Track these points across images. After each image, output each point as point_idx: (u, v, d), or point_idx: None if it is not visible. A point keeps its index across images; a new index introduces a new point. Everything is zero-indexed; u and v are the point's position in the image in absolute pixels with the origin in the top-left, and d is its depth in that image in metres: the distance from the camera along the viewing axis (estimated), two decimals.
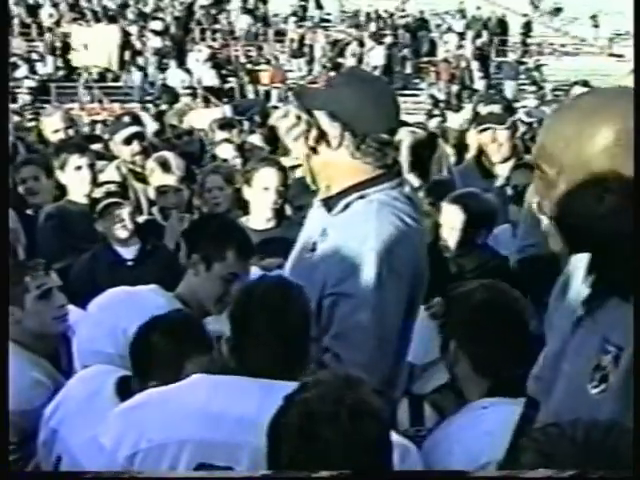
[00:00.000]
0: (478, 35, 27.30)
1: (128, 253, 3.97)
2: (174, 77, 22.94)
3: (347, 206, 2.52)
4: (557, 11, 29.48)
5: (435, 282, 2.65)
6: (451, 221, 3.59)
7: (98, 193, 4.02)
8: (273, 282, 2.29)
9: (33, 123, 7.67)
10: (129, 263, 3.95)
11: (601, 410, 1.65)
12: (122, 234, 3.95)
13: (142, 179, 4.78)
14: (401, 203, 2.52)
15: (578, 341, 1.75)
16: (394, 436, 2.14)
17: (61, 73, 23.23)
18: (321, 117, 2.51)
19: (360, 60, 24.90)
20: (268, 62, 25.16)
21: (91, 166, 4.57)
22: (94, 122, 12.34)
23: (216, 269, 2.86)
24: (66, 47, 23.53)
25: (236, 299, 2.28)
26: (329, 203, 2.58)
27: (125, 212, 3.94)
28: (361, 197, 2.51)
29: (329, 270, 2.47)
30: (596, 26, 28.48)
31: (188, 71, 22.95)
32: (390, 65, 25.13)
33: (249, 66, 24.59)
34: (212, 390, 2.17)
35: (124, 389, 2.40)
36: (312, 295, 2.38)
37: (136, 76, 23.31)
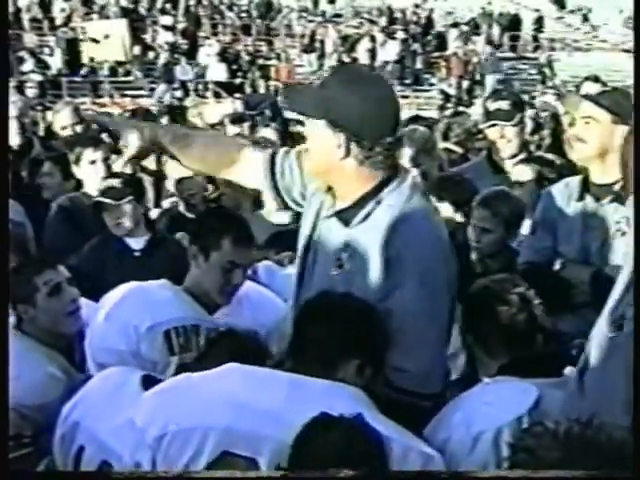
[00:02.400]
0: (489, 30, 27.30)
1: (136, 243, 3.97)
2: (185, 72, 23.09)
3: (367, 216, 2.47)
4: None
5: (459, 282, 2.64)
6: (482, 223, 3.59)
7: (101, 186, 4.03)
8: (349, 300, 2.36)
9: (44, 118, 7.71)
10: (136, 253, 3.96)
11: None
12: (119, 231, 3.95)
13: (150, 172, 4.80)
14: (415, 201, 2.48)
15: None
16: (420, 444, 2.22)
17: (72, 68, 23.25)
18: (322, 127, 2.44)
19: (373, 55, 24.91)
20: (279, 57, 25.17)
21: (105, 160, 4.59)
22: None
23: (214, 258, 2.88)
24: (78, 41, 23.55)
25: (312, 307, 2.35)
26: (344, 216, 2.51)
27: (123, 210, 3.93)
28: (378, 203, 2.46)
29: (368, 284, 2.43)
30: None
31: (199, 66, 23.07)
32: (401, 60, 25.13)
33: (260, 61, 24.61)
34: (243, 380, 2.21)
35: (149, 384, 2.41)
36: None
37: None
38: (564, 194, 3.32)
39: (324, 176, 2.55)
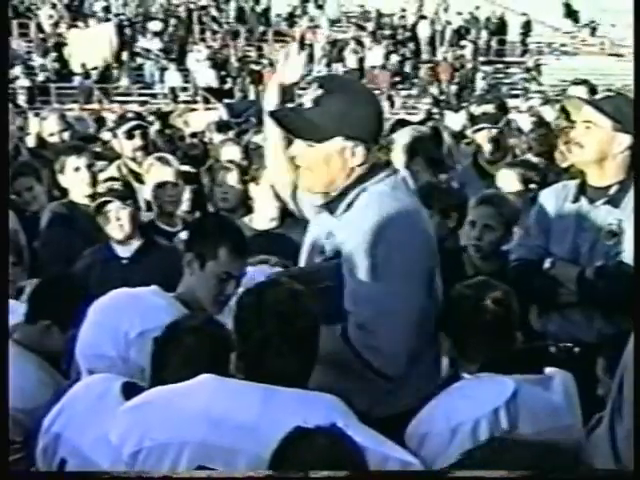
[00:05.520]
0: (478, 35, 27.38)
1: (124, 251, 3.96)
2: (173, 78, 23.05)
3: (350, 204, 2.57)
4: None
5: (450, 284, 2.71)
6: (486, 220, 3.63)
7: (101, 189, 4.01)
8: (281, 286, 2.32)
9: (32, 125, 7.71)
10: (123, 261, 3.94)
11: None
12: (118, 235, 3.94)
13: (141, 180, 4.80)
14: (401, 191, 2.58)
15: None
16: (398, 452, 2.21)
17: (60, 74, 23.20)
18: (341, 143, 2.53)
19: (360, 60, 24.97)
20: (272, 64, 25.13)
21: (89, 166, 4.60)
22: (97, 120, 12.33)
23: (209, 267, 2.87)
24: (65, 48, 23.51)
25: (243, 303, 2.29)
26: (330, 206, 2.62)
27: (124, 213, 3.92)
28: (362, 190, 2.56)
29: (347, 270, 2.51)
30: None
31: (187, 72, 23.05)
32: (389, 64, 25.19)
33: (250, 66, 24.57)
34: (216, 393, 2.19)
35: (129, 392, 2.41)
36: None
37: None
38: (560, 195, 3.33)
39: (325, 188, 2.63)
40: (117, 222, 3.92)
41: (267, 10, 27.92)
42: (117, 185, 4.04)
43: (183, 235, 4.21)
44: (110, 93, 22.72)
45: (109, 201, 3.91)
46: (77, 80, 22.97)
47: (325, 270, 2.56)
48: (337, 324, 2.50)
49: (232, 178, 4.64)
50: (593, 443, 2.22)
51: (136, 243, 3.99)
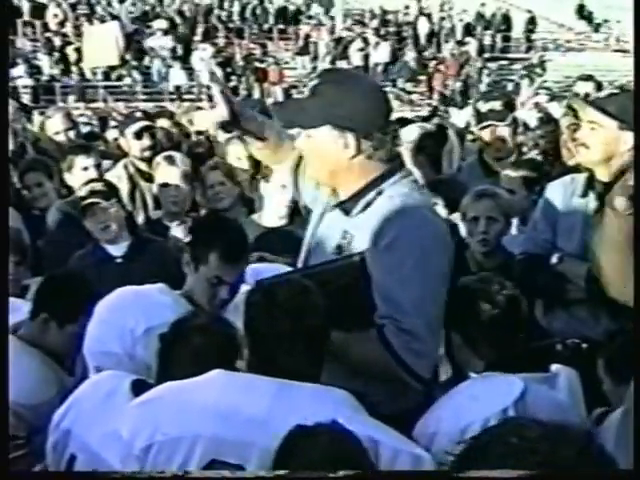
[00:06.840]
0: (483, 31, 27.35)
1: (117, 250, 3.94)
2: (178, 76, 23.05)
3: (368, 205, 2.55)
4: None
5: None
6: (490, 212, 3.64)
7: (83, 192, 3.98)
8: (292, 283, 2.31)
9: (37, 124, 7.70)
10: (118, 260, 3.92)
11: None
12: (107, 235, 3.91)
13: (148, 179, 4.81)
14: (417, 192, 2.60)
15: None
16: (409, 445, 2.21)
17: (64, 73, 23.23)
18: (326, 133, 2.53)
19: (365, 57, 24.96)
20: (276, 62, 25.13)
21: (97, 166, 4.64)
22: (100, 119, 12.37)
23: (201, 271, 2.88)
24: (70, 47, 23.52)
25: (252, 300, 2.29)
26: (345, 207, 2.61)
27: (109, 213, 3.90)
28: (379, 193, 2.55)
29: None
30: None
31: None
32: (395, 61, 25.16)
33: (255, 64, 24.56)
34: (227, 387, 2.20)
35: (139, 389, 2.41)
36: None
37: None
38: (568, 189, 3.32)
39: (329, 180, 2.64)
40: (104, 223, 3.89)
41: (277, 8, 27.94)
42: (99, 186, 4.00)
43: (174, 231, 4.24)
44: (115, 92, 22.75)
45: (94, 203, 3.89)
46: (73, 79, 22.99)
47: (344, 268, 2.53)
48: (362, 325, 2.48)
49: (221, 177, 4.65)
50: (609, 442, 2.20)
51: (126, 241, 3.97)
